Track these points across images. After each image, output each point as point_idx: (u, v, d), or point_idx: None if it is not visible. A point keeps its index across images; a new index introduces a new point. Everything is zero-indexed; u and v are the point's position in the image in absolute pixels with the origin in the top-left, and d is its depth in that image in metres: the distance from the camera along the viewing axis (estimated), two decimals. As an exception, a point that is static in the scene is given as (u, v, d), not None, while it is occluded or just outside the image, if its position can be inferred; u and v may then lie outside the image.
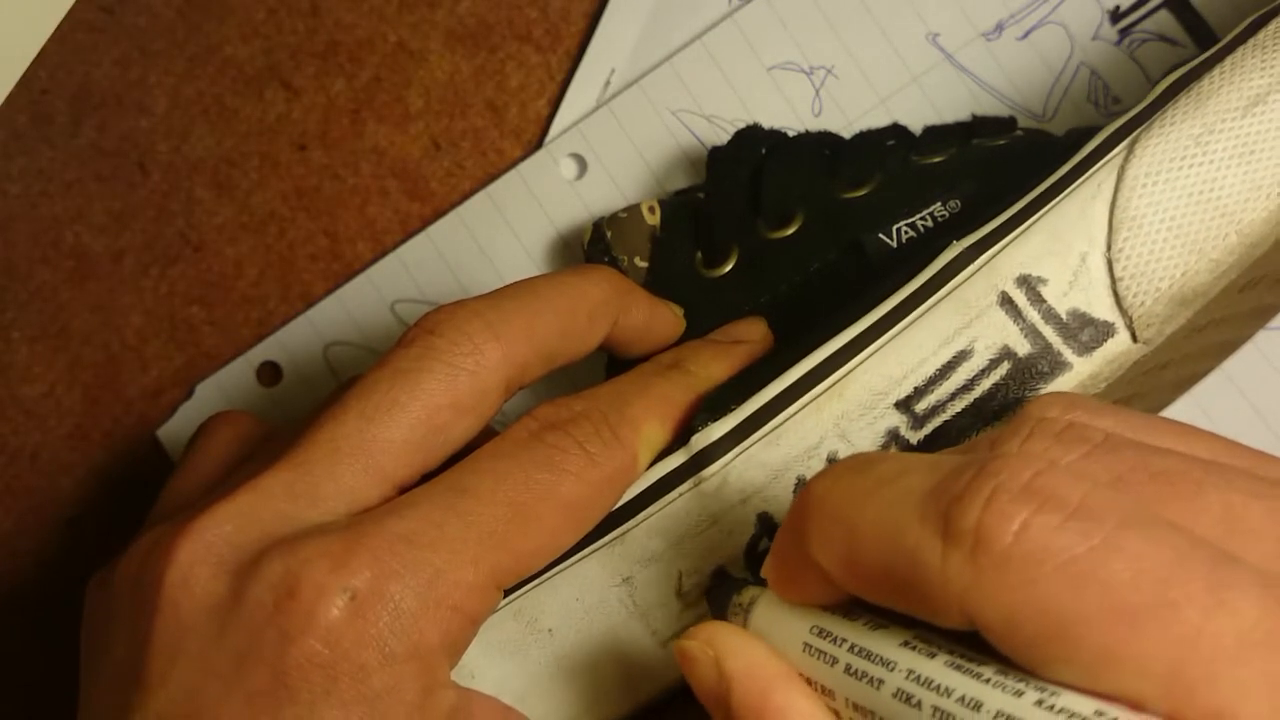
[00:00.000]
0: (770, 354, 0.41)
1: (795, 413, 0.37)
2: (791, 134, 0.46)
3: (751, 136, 0.46)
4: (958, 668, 0.26)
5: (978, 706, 0.25)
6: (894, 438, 0.36)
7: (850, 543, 0.28)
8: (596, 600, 0.37)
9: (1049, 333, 0.35)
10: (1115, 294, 0.35)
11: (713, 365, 0.40)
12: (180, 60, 0.51)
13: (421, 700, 0.33)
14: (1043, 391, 0.35)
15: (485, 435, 0.37)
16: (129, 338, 0.51)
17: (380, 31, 0.51)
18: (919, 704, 0.26)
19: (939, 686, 0.26)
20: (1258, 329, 0.44)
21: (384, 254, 0.50)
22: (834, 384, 0.37)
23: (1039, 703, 0.25)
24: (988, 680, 0.26)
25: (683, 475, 0.37)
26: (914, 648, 0.27)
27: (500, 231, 0.50)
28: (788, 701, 0.29)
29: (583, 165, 0.50)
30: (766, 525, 0.36)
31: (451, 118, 0.51)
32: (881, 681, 0.27)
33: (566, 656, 0.37)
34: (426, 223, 0.50)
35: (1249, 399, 0.45)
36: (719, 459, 0.37)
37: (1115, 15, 0.48)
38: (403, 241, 0.50)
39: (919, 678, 0.27)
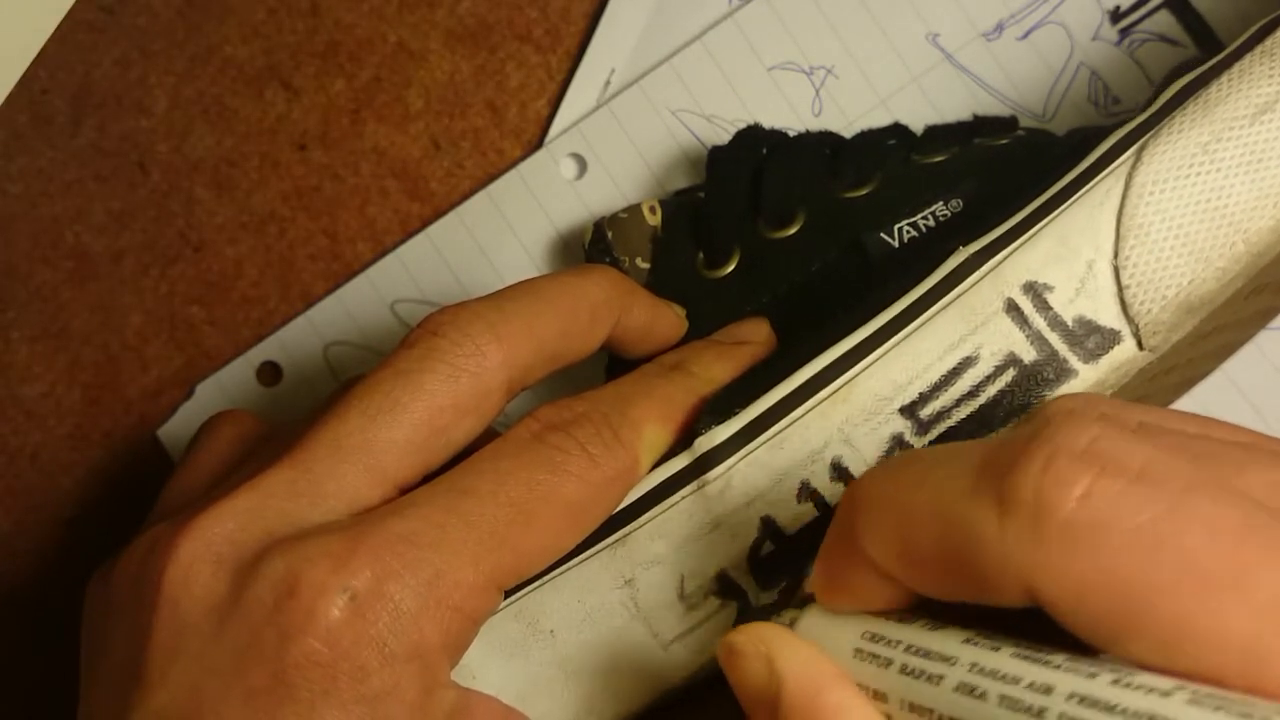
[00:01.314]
0: (774, 356, 0.41)
1: (800, 417, 0.37)
2: (792, 134, 0.46)
3: (752, 136, 0.46)
4: (1025, 658, 0.25)
5: (1048, 690, 0.24)
6: (898, 443, 0.36)
7: (904, 530, 0.27)
8: (598, 602, 0.37)
9: (1055, 340, 0.35)
10: (1122, 301, 0.35)
11: (715, 367, 0.40)
12: (180, 60, 0.51)
13: (421, 700, 0.33)
14: (1048, 398, 0.35)
15: (487, 436, 0.37)
16: (129, 338, 0.51)
17: (380, 31, 0.51)
18: (984, 694, 0.25)
19: (1005, 675, 0.25)
20: (1259, 330, 0.44)
21: (384, 254, 0.50)
22: (839, 388, 0.36)
23: (1115, 681, 0.24)
24: (1058, 666, 0.25)
25: (686, 478, 0.37)
26: (976, 644, 0.26)
27: (500, 231, 0.50)
28: (842, 701, 0.28)
29: (583, 165, 0.50)
30: (770, 529, 0.36)
31: (451, 118, 0.51)
32: (941, 677, 0.26)
33: (568, 658, 0.37)
34: (426, 223, 0.50)
35: (1249, 399, 0.45)
36: (722, 462, 0.37)
37: (1115, 15, 0.48)
38: (403, 241, 0.50)
39: (983, 669, 0.26)
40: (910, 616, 0.29)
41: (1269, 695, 0.23)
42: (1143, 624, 0.24)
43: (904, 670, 0.27)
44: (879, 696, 0.28)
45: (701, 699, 0.37)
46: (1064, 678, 0.24)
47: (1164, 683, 0.23)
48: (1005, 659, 0.26)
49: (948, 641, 0.27)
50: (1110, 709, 0.23)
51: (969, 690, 0.26)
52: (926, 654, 0.27)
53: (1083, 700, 0.24)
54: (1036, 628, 0.25)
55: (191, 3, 0.51)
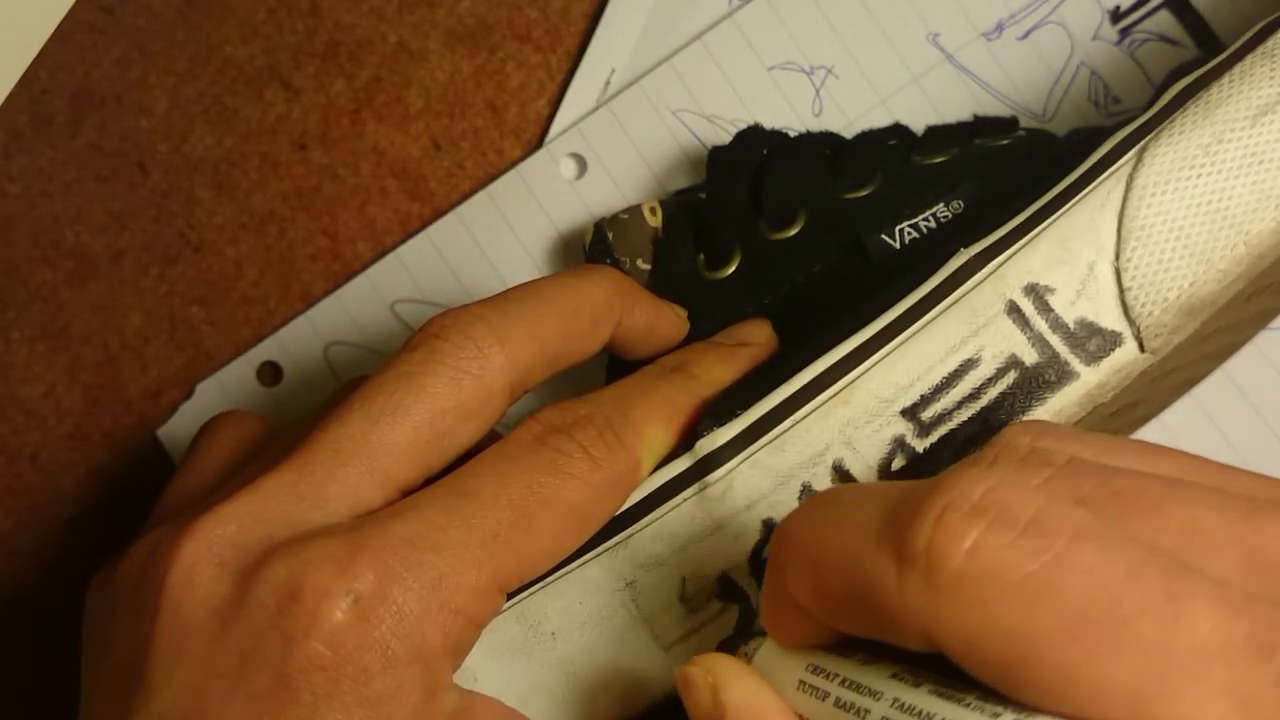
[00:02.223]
0: (775, 357, 0.41)
1: (801, 419, 0.37)
2: (792, 134, 0.46)
3: (753, 137, 0.46)
4: (941, 694, 0.26)
5: None
6: (900, 445, 0.36)
7: (816, 574, 0.28)
8: (600, 604, 0.37)
9: (1056, 342, 0.35)
10: (1123, 304, 0.35)
11: (717, 368, 0.40)
12: (180, 60, 0.51)
13: (424, 703, 0.33)
14: (1049, 400, 0.35)
15: (490, 439, 0.37)
16: (129, 338, 0.51)
17: (380, 31, 0.51)
18: None
19: (921, 712, 0.26)
20: (1259, 331, 0.44)
21: (384, 254, 0.50)
22: (840, 390, 0.36)
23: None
24: (968, 704, 0.26)
25: (687, 480, 0.37)
26: (901, 679, 0.27)
27: (500, 231, 0.50)
28: None
29: (583, 165, 0.50)
30: (771, 531, 0.36)
31: (451, 118, 0.51)
32: (867, 711, 0.27)
33: (569, 660, 0.37)
34: (426, 223, 0.50)
35: (1249, 399, 0.45)
36: (724, 464, 0.37)
37: (1115, 15, 0.48)
38: (403, 241, 0.50)
39: (903, 705, 0.27)
40: (850, 650, 0.29)
41: None
42: (1028, 673, 0.24)
43: (837, 703, 0.28)
44: None
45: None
46: (970, 716, 0.25)
47: None
48: (923, 695, 0.27)
49: (876, 676, 0.28)
50: None
51: None
52: (857, 687, 0.28)
53: None
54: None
55: (191, 3, 0.51)
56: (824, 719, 0.29)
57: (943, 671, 0.27)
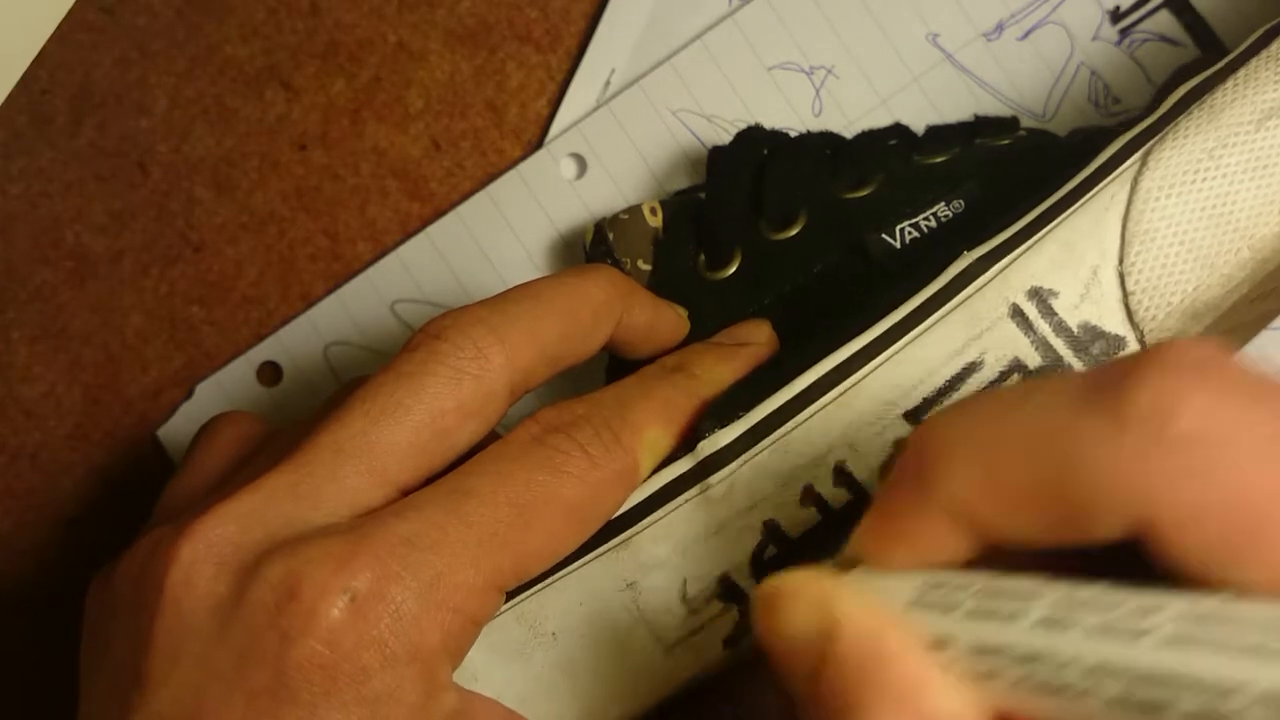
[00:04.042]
0: (777, 358, 0.41)
1: (803, 421, 0.37)
2: (792, 134, 0.46)
3: (753, 137, 0.46)
4: (1119, 589, 0.23)
5: (1157, 610, 0.22)
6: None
7: (990, 463, 0.26)
8: (601, 605, 0.37)
9: (1060, 345, 0.35)
10: (1127, 308, 0.35)
11: (717, 369, 0.40)
12: (180, 60, 0.51)
13: (422, 702, 0.33)
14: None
15: (490, 440, 0.37)
16: (129, 338, 0.51)
17: (380, 31, 0.51)
18: (1070, 625, 0.23)
19: (1100, 603, 0.23)
20: (1259, 331, 0.44)
21: (384, 254, 0.50)
22: (843, 393, 0.36)
23: (1225, 601, 0.22)
24: (1164, 591, 0.23)
25: (689, 481, 0.37)
26: (1060, 582, 0.24)
27: (500, 231, 0.50)
28: (907, 645, 0.26)
29: (583, 165, 0.50)
30: (773, 533, 0.36)
31: (451, 118, 0.51)
32: (1019, 614, 0.24)
33: (570, 660, 0.37)
34: (426, 223, 0.50)
35: (1248, 400, 0.45)
36: (726, 466, 0.37)
37: (1115, 15, 0.48)
38: (403, 241, 0.50)
39: (1071, 600, 0.24)
40: (975, 569, 0.27)
41: None
42: (1262, 544, 0.22)
43: (973, 613, 0.25)
44: (939, 645, 0.26)
45: (703, 702, 0.37)
46: (1172, 600, 0.23)
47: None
48: (1096, 592, 0.24)
49: (1027, 582, 0.25)
50: (1237, 621, 0.22)
51: (1050, 624, 0.24)
52: (1000, 594, 0.25)
53: (1200, 618, 0.22)
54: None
55: (191, 3, 0.51)
56: (951, 631, 0.25)
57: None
